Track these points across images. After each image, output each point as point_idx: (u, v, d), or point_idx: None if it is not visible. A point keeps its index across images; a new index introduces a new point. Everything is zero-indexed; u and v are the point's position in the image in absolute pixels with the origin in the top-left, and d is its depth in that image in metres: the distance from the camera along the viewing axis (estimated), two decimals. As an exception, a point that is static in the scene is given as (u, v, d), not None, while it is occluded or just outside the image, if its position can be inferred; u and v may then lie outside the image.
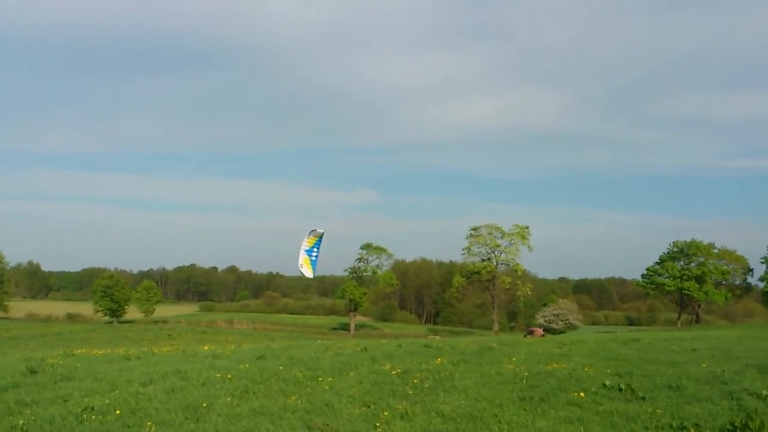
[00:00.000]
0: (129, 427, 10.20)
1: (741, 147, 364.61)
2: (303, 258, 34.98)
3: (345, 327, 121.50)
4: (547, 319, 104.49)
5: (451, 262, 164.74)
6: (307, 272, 36.03)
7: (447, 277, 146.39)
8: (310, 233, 37.67)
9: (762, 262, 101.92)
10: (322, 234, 37.70)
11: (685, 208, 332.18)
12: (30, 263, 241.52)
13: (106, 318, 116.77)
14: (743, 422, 8.77)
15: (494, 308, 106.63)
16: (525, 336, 54.13)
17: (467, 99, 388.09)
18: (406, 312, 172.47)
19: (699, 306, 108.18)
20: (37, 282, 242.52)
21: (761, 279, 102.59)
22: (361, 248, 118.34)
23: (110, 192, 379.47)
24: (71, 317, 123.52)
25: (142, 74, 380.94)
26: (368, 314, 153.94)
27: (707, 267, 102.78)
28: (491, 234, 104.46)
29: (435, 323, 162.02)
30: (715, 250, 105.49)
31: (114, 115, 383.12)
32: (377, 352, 20.32)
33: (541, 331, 67.13)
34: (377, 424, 9.78)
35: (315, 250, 35.61)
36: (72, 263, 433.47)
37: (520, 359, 17.21)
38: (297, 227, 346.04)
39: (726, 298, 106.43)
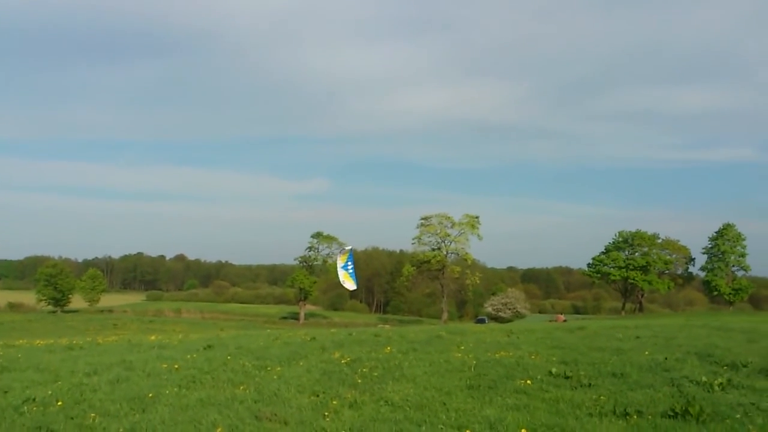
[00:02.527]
0: (72, 418, 9.95)
1: (684, 140, 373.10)
2: (342, 274, 37.02)
3: (295, 316, 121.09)
4: (496, 307, 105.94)
5: (401, 251, 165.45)
6: (350, 285, 38.14)
7: (397, 266, 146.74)
8: (340, 251, 39.53)
9: (703, 252, 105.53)
10: (351, 249, 40.25)
11: (630, 199, 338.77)
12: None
13: (50, 307, 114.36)
14: (683, 408, 8.97)
15: (443, 297, 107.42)
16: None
17: (418, 90, 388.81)
18: (356, 301, 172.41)
19: (642, 295, 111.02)
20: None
21: (702, 268, 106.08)
22: (312, 237, 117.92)
23: (54, 179, 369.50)
24: (12, 306, 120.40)
25: (85, 59, 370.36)
26: (318, 303, 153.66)
27: (651, 257, 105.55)
28: (441, 223, 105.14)
29: (385, 312, 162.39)
30: (659, 241, 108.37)
31: (55, 102, 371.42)
32: (327, 341, 20.28)
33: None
34: (326, 413, 9.74)
35: (350, 264, 37.74)
36: (14, 251, 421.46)
37: (469, 348, 17.36)
38: (247, 216, 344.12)
39: (668, 287, 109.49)
